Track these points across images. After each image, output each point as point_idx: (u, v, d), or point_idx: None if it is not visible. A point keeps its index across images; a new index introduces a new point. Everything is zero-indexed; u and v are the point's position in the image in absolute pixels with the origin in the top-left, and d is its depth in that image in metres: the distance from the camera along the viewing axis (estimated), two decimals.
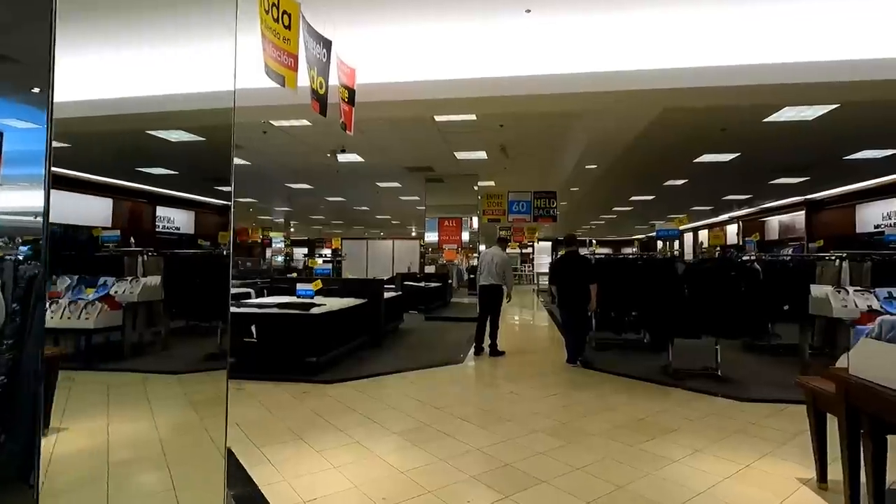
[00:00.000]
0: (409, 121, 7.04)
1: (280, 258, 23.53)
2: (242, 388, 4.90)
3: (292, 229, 25.36)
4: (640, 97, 4.87)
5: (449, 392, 4.92)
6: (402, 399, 4.65)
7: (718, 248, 7.49)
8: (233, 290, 9.33)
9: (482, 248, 14.34)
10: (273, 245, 24.13)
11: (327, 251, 31.05)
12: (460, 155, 9.18)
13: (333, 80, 4.63)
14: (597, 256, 8.04)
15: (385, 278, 13.97)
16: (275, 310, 5.51)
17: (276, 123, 7.14)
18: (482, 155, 9.13)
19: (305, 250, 32.71)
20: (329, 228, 28.44)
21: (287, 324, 5.45)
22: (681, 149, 8.12)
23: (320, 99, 4.37)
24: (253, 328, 5.45)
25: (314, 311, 5.49)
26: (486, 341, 7.03)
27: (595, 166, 8.71)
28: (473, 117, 6.71)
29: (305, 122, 7.06)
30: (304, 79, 4.16)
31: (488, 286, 7.01)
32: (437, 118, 6.82)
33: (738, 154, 8.41)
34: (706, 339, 5.51)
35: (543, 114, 6.54)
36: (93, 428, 3.82)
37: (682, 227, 6.65)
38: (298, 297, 6.74)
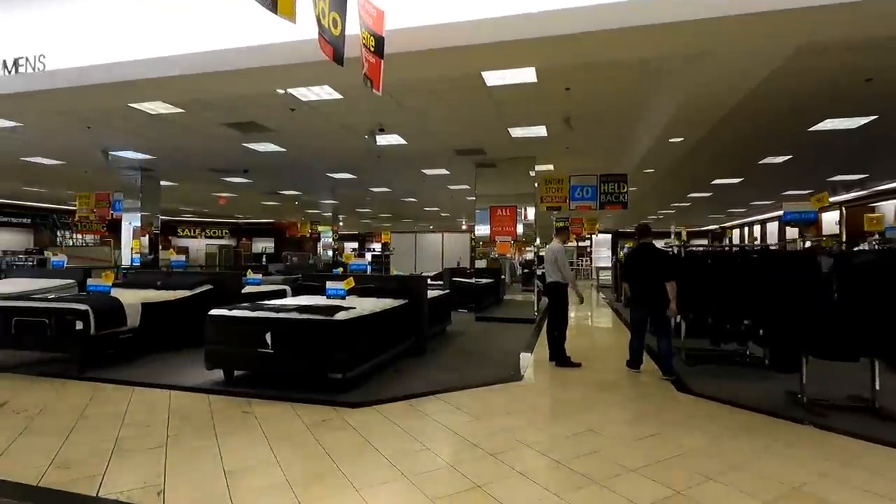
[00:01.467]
0: (455, 87, 5.90)
1: (329, 253, 23.18)
2: (249, 412, 3.98)
3: (341, 223, 24.95)
4: (771, 24, 3.46)
5: (505, 426, 3.77)
6: (444, 435, 3.55)
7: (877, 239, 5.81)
8: (265, 288, 8.63)
9: (537, 241, 13.01)
10: (322, 239, 23.81)
11: (377, 245, 30.65)
12: (516, 132, 7.94)
13: (354, 28, 3.57)
14: (688, 249, 6.58)
15: (431, 274, 13.02)
16: (294, 314, 4.57)
17: (301, 98, 6.22)
18: (541, 131, 7.84)
19: (355, 245, 32.49)
20: (378, 222, 27.90)
21: (307, 332, 4.49)
22: (798, 112, 6.47)
23: (334, 41, 3.32)
24: (268, 336, 4.54)
25: (340, 316, 4.50)
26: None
27: (681, 139, 7.19)
28: (533, 78, 5.46)
29: (334, 95, 6.10)
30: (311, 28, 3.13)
31: (549, 284, 5.90)
32: (490, 82, 5.64)
33: (873, 118, 6.62)
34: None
35: (624, 68, 5.19)
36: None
37: (805, 209, 5.21)
38: (328, 297, 5.82)
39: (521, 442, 3.42)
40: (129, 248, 12.77)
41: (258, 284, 8.46)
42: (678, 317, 5.89)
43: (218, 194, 16.42)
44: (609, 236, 30.45)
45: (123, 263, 12.68)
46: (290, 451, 3.23)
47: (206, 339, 4.81)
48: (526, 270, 15.06)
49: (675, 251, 7.43)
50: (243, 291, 7.47)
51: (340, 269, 13.86)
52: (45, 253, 12.14)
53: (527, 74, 5.35)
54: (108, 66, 4.76)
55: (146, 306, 5.88)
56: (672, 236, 8.22)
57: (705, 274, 5.75)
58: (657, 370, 5.36)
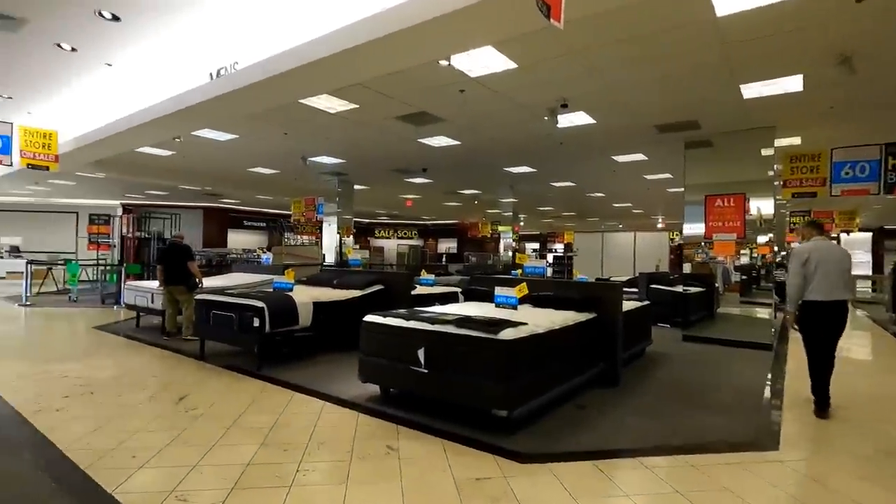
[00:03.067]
0: (667, 28, 4.34)
1: (510, 253, 22.61)
2: (393, 450, 3.22)
3: (521, 223, 24.18)
4: None
5: None
6: None
7: None
8: (436, 290, 8.11)
9: (767, 237, 10.06)
10: (502, 239, 23.37)
11: (559, 245, 29.07)
12: (751, 90, 5.82)
13: None
14: None
15: (623, 279, 11.16)
16: (450, 328, 3.70)
17: (469, 73, 5.39)
18: (794, 84, 5.58)
19: (536, 245, 31.42)
20: (560, 221, 26.36)
21: (465, 351, 3.58)
22: None
23: None
24: (421, 353, 3.76)
25: (506, 334, 3.47)
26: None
27: None
28: None
29: (508, 65, 5.11)
30: None
31: (838, 303, 3.91)
32: (722, 9, 3.94)
33: None
34: None
35: None
36: None
37: None
38: (497, 305, 4.86)
39: None
40: (334, 249, 14.02)
41: (430, 286, 8.05)
42: None
43: (404, 196, 17.14)
44: (868, 235, 23.20)
45: (327, 262, 13.94)
46: None
47: (360, 348, 4.30)
48: (744, 277, 11.98)
49: None
50: (413, 293, 7.06)
51: (519, 272, 12.95)
52: (257, 251, 14.12)
53: None
54: (272, 60, 4.64)
55: (317, 305, 5.77)
56: None
57: None
58: None
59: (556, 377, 4.05)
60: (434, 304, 6.97)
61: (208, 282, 8.18)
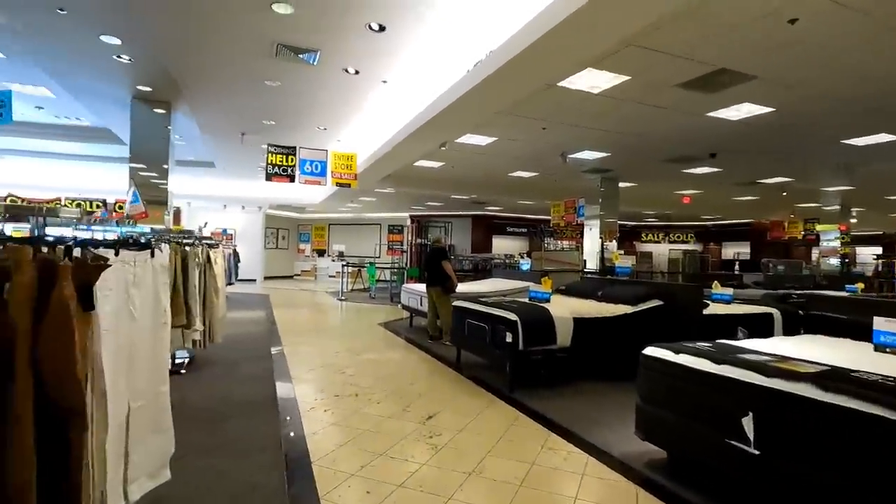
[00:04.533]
0: None
1: (834, 261, 16.85)
2: None
3: (853, 219, 17.80)
4: None
5: None
6: None
7: None
8: (737, 309, 6.01)
9: None
10: (821, 242, 17.61)
11: None
12: None
13: None
14: None
15: None
16: (808, 389, 2.17)
17: None
18: None
19: (879, 250, 22.81)
20: None
21: (848, 438, 2.00)
22: None
23: None
24: (747, 421, 2.34)
25: None
26: None
27: None
28: None
29: None
30: None
31: None
32: None
33: None
34: None
35: None
36: None
37: None
38: (878, 348, 2.94)
39: None
40: (596, 254, 12.89)
41: (728, 303, 6.06)
42: None
43: (680, 192, 14.55)
44: None
45: (588, 268, 12.87)
46: None
47: (638, 391, 3.11)
48: None
49: None
50: (705, 312, 5.34)
51: (859, 287, 9.13)
52: (516, 256, 13.95)
53: None
54: (517, 36, 3.90)
55: (578, 322, 4.78)
56: None
57: None
58: None
59: None
60: (737, 332, 5.10)
61: (469, 287, 8.19)
